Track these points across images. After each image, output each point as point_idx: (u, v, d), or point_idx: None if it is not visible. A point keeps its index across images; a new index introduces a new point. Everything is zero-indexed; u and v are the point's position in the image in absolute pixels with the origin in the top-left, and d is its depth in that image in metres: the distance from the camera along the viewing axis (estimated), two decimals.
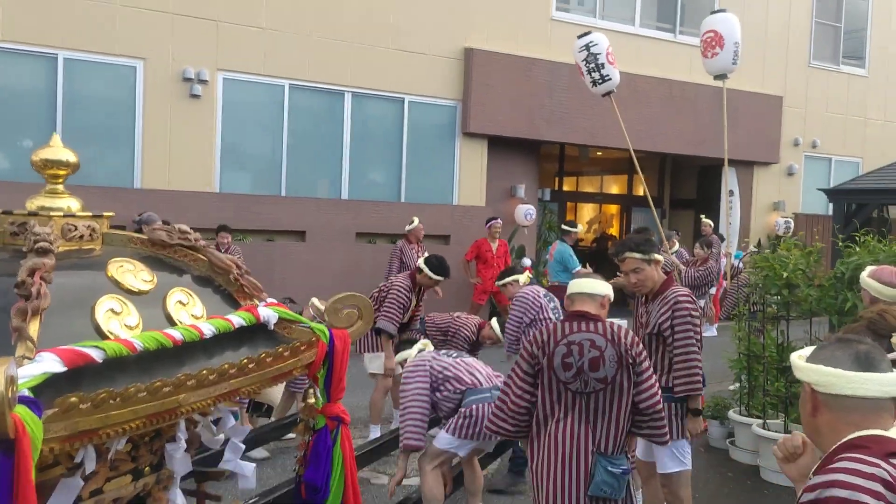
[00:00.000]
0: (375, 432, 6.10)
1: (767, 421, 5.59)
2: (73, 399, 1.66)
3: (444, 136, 11.62)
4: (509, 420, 3.30)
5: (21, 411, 1.53)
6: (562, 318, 5.41)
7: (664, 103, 13.04)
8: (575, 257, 9.73)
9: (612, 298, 3.44)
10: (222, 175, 9.99)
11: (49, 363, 1.70)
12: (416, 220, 10.01)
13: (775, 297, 5.77)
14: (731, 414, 6.05)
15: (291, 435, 5.76)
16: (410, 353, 4.57)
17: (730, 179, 13.59)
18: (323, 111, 10.74)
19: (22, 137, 9.02)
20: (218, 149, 9.90)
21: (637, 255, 3.95)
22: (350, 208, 10.73)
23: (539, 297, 5.60)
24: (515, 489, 5.09)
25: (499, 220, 10.72)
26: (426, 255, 6.42)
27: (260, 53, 10.03)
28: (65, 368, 1.72)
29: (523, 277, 5.94)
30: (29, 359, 1.69)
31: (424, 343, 4.71)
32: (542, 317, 5.48)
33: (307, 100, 10.56)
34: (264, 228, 10.10)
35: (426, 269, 6.09)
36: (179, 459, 2.29)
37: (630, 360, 3.20)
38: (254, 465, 2.56)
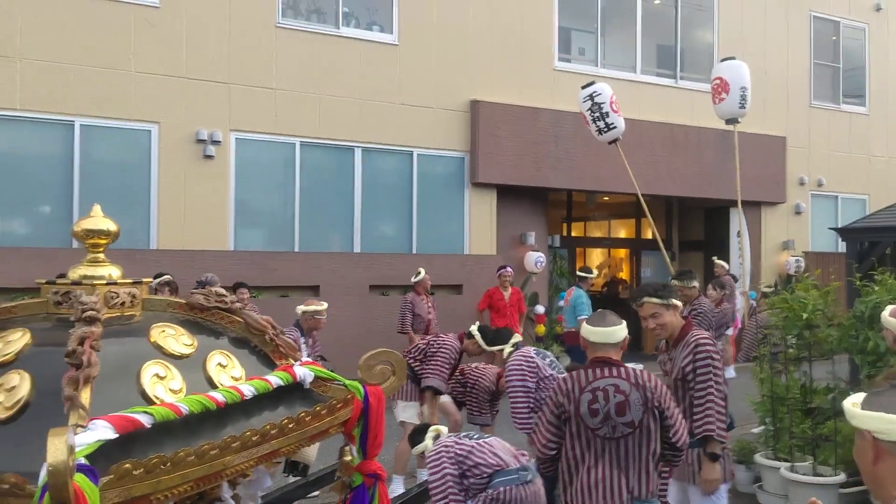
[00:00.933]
0: (398, 484, 6.01)
1: (795, 464, 5.53)
2: (127, 465, 1.68)
3: (453, 187, 11.75)
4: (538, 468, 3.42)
5: (79, 479, 1.55)
6: (563, 371, 5.37)
7: (668, 147, 13.19)
8: (589, 304, 9.73)
9: (628, 338, 3.46)
10: (236, 233, 10.10)
11: (102, 430, 1.73)
12: (423, 272, 10.04)
13: (795, 339, 5.75)
14: (758, 457, 5.97)
15: (315, 493, 5.71)
16: (427, 445, 4.42)
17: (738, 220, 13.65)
18: (333, 167, 10.90)
19: (40, 204, 9.17)
20: (232, 207, 10.04)
21: (655, 300, 3.95)
22: (363, 261, 10.80)
23: (531, 357, 5.30)
24: None
25: (508, 269, 10.76)
26: (476, 324, 6.15)
27: (271, 113, 10.23)
28: (116, 435, 1.75)
29: (508, 348, 5.67)
30: (82, 427, 1.72)
31: (437, 429, 4.60)
32: (543, 375, 5.21)
33: (318, 156, 10.73)
34: (279, 284, 10.16)
35: (478, 338, 5.87)
36: None
37: (656, 404, 3.22)
38: None
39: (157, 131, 9.53)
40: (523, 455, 4.24)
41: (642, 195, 10.26)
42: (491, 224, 11.98)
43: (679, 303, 4.10)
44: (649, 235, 15.90)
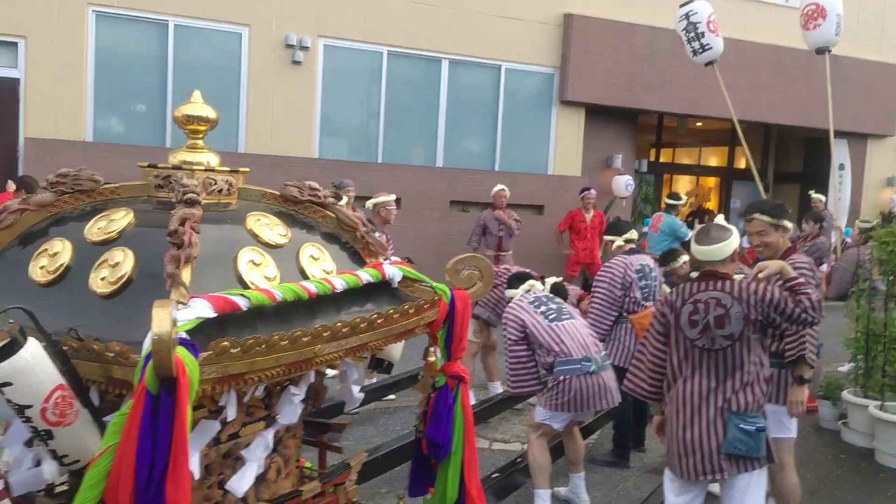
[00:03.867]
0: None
1: (886, 403, 5.33)
2: (226, 343, 1.71)
3: (540, 105, 11.46)
4: (647, 381, 3.42)
5: (181, 352, 1.59)
6: (652, 298, 5.17)
7: (773, 71, 12.45)
8: (685, 227, 9.51)
9: (738, 248, 3.40)
10: (321, 141, 10.17)
11: (202, 308, 1.76)
12: (500, 186, 9.75)
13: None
14: (846, 394, 5.79)
15: (391, 396, 5.89)
16: (516, 293, 4.50)
17: (841, 152, 12.91)
18: (420, 78, 10.76)
19: (136, 102, 9.41)
20: (318, 115, 10.08)
21: (765, 218, 3.84)
22: (445, 176, 10.75)
23: (630, 271, 4.97)
24: (618, 465, 5.03)
25: (592, 191, 10.52)
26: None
27: (360, 20, 10.10)
28: (215, 314, 1.78)
29: (619, 241, 5.23)
30: (183, 304, 1.75)
31: (532, 284, 4.58)
32: (630, 296, 4.98)
33: (405, 67, 10.59)
34: (360, 195, 10.22)
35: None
36: (290, 406, 2.31)
37: (760, 317, 3.17)
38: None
39: (248, 34, 9.56)
40: (597, 345, 4.23)
41: (740, 121, 9.78)
42: (577, 144, 11.69)
43: (789, 224, 3.93)
44: (742, 165, 15.25)
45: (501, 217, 9.54)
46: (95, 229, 2.03)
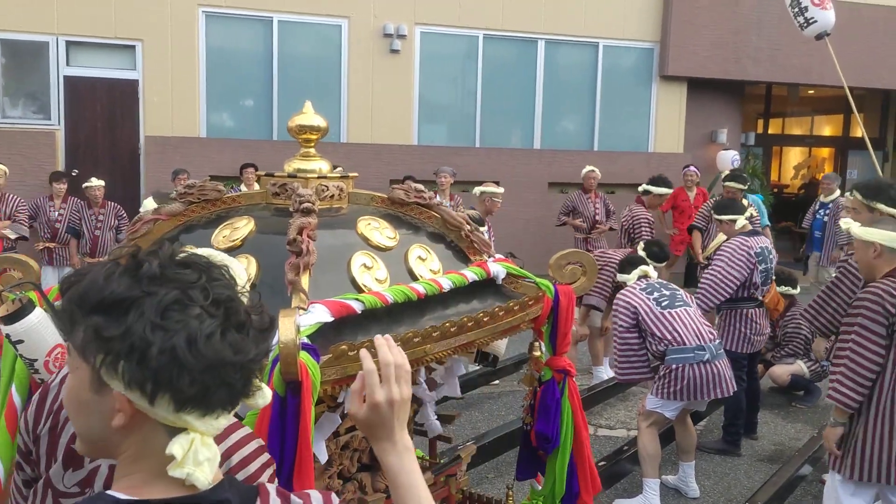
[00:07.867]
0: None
1: None
2: (344, 346, 1.82)
3: (639, 81, 11.19)
4: (859, 389, 3.06)
5: (304, 357, 1.71)
6: (770, 282, 4.99)
7: (892, 34, 11.66)
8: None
9: None
10: (420, 128, 10.30)
11: (321, 314, 1.87)
12: (588, 167, 9.39)
13: None
14: None
15: (496, 381, 5.98)
16: (630, 278, 4.45)
17: None
18: (516, 60, 10.70)
19: (244, 97, 9.81)
20: (416, 102, 10.21)
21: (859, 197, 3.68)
22: (543, 158, 10.69)
23: (752, 254, 4.76)
24: (728, 453, 4.94)
25: (692, 167, 10.16)
26: (641, 244, 5.55)
27: (455, 5, 10.14)
28: (332, 318, 1.89)
29: (741, 220, 4.95)
30: (303, 310, 1.87)
31: (645, 270, 4.49)
32: (751, 282, 4.77)
33: (501, 49, 10.57)
34: (459, 179, 10.31)
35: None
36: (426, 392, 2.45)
37: None
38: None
39: (347, 26, 9.77)
40: (711, 333, 4.14)
41: (858, 88, 9.24)
42: (679, 120, 11.36)
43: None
44: (859, 134, 14.41)
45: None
46: (221, 237, 2.17)
